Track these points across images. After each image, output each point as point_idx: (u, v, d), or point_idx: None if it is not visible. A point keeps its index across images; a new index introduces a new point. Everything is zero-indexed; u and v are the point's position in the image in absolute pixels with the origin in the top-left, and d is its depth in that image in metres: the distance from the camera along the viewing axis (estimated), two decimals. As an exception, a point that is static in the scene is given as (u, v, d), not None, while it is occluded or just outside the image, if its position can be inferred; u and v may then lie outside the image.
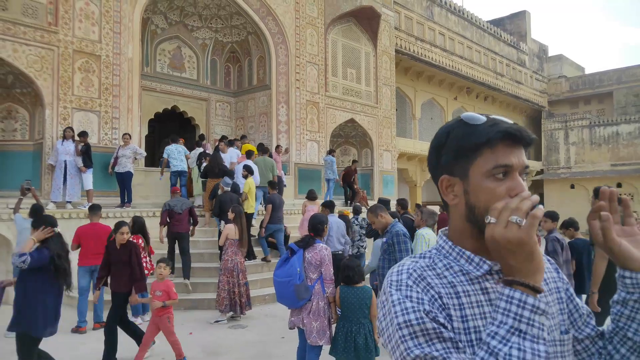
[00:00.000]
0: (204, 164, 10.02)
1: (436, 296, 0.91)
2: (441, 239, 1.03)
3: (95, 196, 8.79)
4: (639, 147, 23.31)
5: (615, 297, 1.00)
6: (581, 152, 25.07)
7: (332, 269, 4.15)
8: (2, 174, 8.79)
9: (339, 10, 14.22)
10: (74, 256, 6.57)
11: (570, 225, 5.89)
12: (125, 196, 9.24)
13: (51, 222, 4.11)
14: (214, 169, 9.52)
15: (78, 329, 6.24)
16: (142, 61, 11.61)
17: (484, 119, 0.95)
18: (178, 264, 8.12)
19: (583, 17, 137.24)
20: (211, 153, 10.27)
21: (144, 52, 11.96)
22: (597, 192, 5.10)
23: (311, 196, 9.34)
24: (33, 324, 3.96)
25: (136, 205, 9.54)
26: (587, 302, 4.83)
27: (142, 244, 6.41)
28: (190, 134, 13.66)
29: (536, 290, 0.83)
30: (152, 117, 12.77)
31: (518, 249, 0.82)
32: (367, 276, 5.43)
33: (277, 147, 12.09)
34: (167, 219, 7.79)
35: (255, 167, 9.67)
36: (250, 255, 8.93)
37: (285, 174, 12.07)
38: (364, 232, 8.26)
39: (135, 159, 9.65)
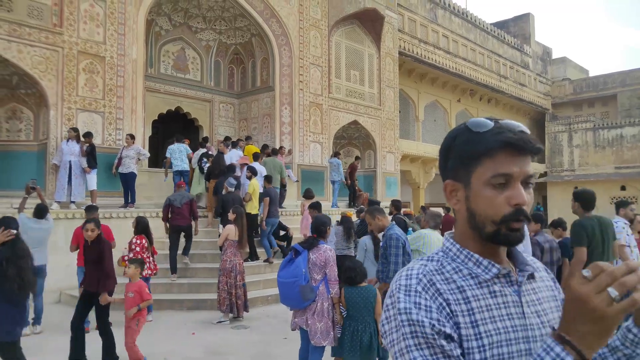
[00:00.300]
0: (206, 165, 10.06)
1: (444, 304, 0.91)
2: (448, 241, 1.04)
3: (99, 196, 8.83)
4: (643, 150, 23.24)
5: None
6: (585, 155, 24.99)
7: (336, 270, 4.16)
8: (6, 174, 8.84)
9: (343, 13, 14.24)
10: (73, 256, 6.66)
11: (558, 225, 5.90)
12: (129, 197, 9.28)
13: (9, 224, 3.92)
14: (215, 170, 9.56)
15: (81, 329, 6.24)
16: (146, 62, 11.66)
17: (490, 125, 0.94)
18: (179, 265, 8.18)
19: (585, 19, 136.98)
20: (214, 154, 10.31)
21: (148, 54, 12.01)
22: (576, 195, 4.99)
23: (308, 195, 9.37)
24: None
25: (140, 205, 9.57)
26: None
27: (146, 245, 6.45)
28: (193, 135, 13.67)
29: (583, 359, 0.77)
30: (156, 118, 12.80)
31: (598, 322, 0.75)
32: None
33: (280, 148, 12.12)
34: (169, 214, 7.86)
35: (261, 169, 9.68)
36: (252, 256, 8.95)
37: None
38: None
39: (139, 159, 9.68)
